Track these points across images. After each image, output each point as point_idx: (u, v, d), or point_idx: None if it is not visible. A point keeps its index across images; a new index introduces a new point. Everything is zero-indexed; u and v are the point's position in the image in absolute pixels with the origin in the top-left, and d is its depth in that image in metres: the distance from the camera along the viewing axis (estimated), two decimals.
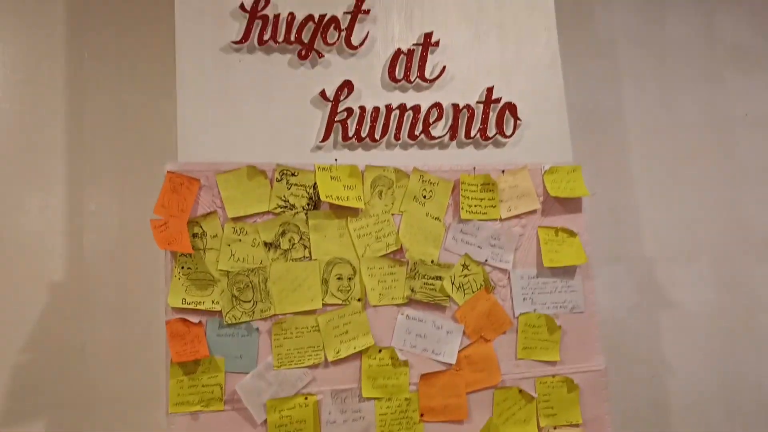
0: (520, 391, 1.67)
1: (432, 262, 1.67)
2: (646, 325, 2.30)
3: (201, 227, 1.56)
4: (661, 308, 2.32)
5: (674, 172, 2.41)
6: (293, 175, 1.62)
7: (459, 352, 1.65)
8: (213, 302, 1.54)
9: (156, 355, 1.80)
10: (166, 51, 1.92)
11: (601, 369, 1.74)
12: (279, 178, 1.61)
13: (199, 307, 1.52)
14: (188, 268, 1.54)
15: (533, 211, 1.77)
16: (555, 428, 1.67)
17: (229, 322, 1.53)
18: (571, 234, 1.78)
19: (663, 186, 2.38)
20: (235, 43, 1.65)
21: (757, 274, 2.44)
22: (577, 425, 1.68)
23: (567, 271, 1.77)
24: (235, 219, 1.57)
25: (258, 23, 1.66)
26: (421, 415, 1.60)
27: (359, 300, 1.61)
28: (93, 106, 1.97)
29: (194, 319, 1.52)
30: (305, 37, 1.69)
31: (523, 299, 1.72)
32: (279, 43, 1.67)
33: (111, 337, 1.88)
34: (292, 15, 1.68)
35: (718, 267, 2.41)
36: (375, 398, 1.59)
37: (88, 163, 1.94)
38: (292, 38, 1.68)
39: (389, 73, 1.74)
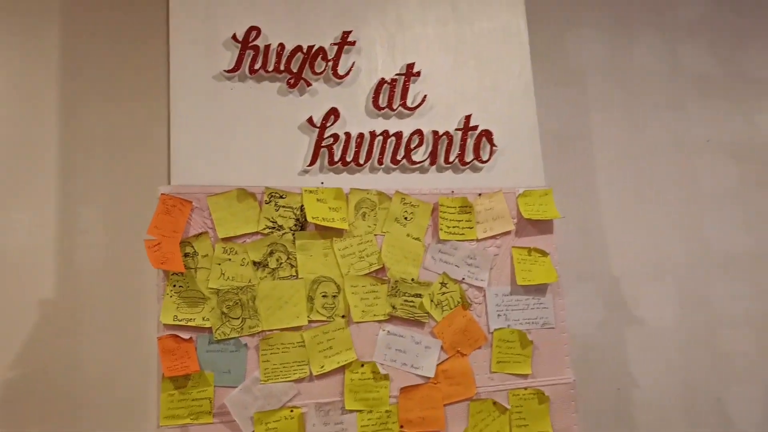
0: (494, 403, 1.77)
1: (412, 280, 1.77)
2: (613, 341, 2.41)
3: (192, 247, 1.63)
4: (627, 324, 2.44)
5: (640, 195, 2.54)
6: (281, 197, 1.71)
7: (437, 366, 1.74)
8: (203, 319, 1.61)
9: (144, 371, 1.87)
10: (157, 77, 2.01)
11: (570, 382, 1.85)
12: (268, 200, 1.69)
13: (189, 323, 1.59)
14: (180, 286, 1.60)
15: (507, 232, 1.88)
16: None
17: (219, 338, 1.60)
18: (543, 254, 1.88)
19: (629, 208, 2.51)
20: (227, 71, 1.73)
21: (717, 292, 2.58)
22: None
23: (539, 289, 1.87)
24: (226, 239, 1.65)
25: (249, 53, 1.74)
26: (401, 427, 1.68)
27: (343, 317, 1.70)
28: (85, 127, 2.03)
29: (185, 335, 1.59)
30: (294, 66, 1.78)
31: (498, 315, 1.82)
32: (269, 72, 1.76)
33: (100, 353, 1.92)
34: (281, 45, 1.77)
35: (681, 285, 2.54)
36: (357, 410, 1.66)
37: (79, 183, 1.99)
38: (282, 68, 1.77)
39: (373, 101, 1.84)
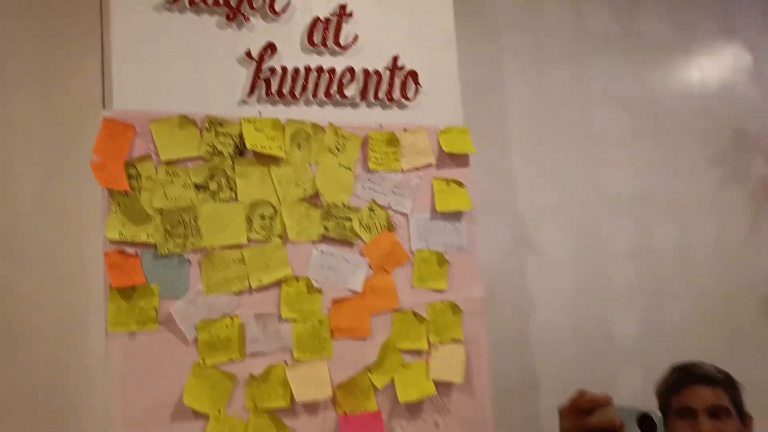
0: (415, 314, 1.99)
1: (343, 205, 1.94)
2: (516, 269, 2.69)
3: (136, 169, 1.71)
4: (529, 255, 2.72)
5: (545, 139, 2.81)
6: (221, 125, 1.81)
7: (365, 281, 1.94)
8: (148, 236, 1.71)
9: (84, 289, 1.93)
10: (91, 5, 2.02)
11: (480, 298, 2.10)
12: (208, 127, 1.80)
13: (135, 239, 1.69)
14: (124, 205, 1.69)
15: (429, 165, 2.08)
16: (441, 343, 2.00)
17: (163, 253, 1.72)
18: (460, 185, 2.10)
19: (535, 150, 2.77)
20: (168, 2, 1.79)
21: (608, 229, 2.91)
22: (459, 341, 2.02)
23: (455, 216, 2.09)
24: (168, 163, 1.74)
25: None
26: (332, 333, 1.87)
27: (280, 237, 1.85)
28: (13, 56, 2.00)
29: (131, 250, 1.69)
30: (232, 1, 1.86)
31: (419, 238, 2.03)
32: (208, 5, 1.84)
33: (38, 276, 1.96)
34: None
35: (577, 222, 2.84)
36: (292, 320, 1.84)
37: (8, 108, 1.98)
38: (221, 1, 1.85)
39: (308, 38, 1.96)
